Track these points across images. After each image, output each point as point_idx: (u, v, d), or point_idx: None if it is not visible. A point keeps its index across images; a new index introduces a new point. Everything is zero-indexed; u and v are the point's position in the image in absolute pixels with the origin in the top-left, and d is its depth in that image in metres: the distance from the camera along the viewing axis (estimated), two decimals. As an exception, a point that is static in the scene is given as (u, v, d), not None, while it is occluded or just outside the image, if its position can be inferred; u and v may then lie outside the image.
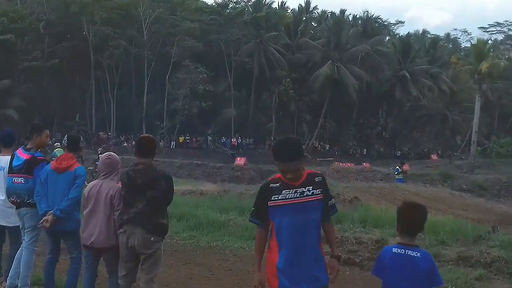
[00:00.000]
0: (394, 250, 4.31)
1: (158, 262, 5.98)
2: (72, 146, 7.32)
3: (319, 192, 4.61)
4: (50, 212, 6.59)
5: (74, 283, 6.74)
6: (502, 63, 56.95)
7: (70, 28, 64.29)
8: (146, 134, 6.77)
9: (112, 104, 64.39)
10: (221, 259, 10.25)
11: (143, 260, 5.86)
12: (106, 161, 6.41)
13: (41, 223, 6.65)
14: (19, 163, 7.16)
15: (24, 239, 7.11)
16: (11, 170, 7.21)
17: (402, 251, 4.27)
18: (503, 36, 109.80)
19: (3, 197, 7.41)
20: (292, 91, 68.85)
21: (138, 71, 65.41)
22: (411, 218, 4.40)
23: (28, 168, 7.09)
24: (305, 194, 4.54)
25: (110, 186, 6.18)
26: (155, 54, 64.64)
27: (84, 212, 6.37)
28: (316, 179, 4.67)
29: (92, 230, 6.18)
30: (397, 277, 4.22)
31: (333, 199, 4.89)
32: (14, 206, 7.22)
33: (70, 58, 63.01)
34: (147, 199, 5.74)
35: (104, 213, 6.13)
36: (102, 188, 6.22)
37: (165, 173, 6.25)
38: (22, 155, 7.21)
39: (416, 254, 4.25)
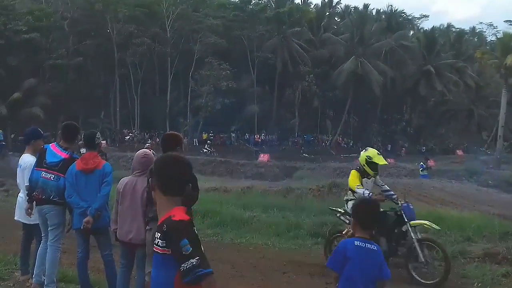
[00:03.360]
0: (356, 243, 4.49)
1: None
2: (90, 144, 7.30)
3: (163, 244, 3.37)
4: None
5: (116, 280, 6.73)
6: (528, 56, 55.94)
7: (94, 26, 64.74)
8: (171, 131, 6.76)
9: (136, 102, 64.79)
10: (245, 256, 10.27)
11: (148, 257, 5.89)
12: (142, 160, 6.44)
13: (85, 223, 6.70)
14: (55, 160, 7.17)
15: (48, 237, 7.15)
16: (42, 164, 7.20)
17: (363, 244, 4.47)
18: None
19: (24, 195, 7.47)
20: (315, 87, 68.66)
21: (161, 69, 65.65)
22: (368, 214, 4.62)
23: (63, 167, 7.10)
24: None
25: (145, 184, 6.21)
26: (178, 51, 64.88)
27: (119, 208, 6.42)
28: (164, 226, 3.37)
29: (130, 227, 6.25)
30: (358, 268, 4.42)
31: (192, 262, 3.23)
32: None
33: (94, 56, 63.55)
34: None
35: (142, 211, 6.19)
36: (138, 185, 6.27)
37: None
38: (59, 152, 7.22)
39: (373, 247, 4.50)
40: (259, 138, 67.58)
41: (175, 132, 6.66)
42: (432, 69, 71.52)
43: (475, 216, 13.82)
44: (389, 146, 74.46)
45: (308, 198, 16.71)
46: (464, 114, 77.06)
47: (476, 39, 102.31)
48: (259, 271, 9.09)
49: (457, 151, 70.09)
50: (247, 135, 68.65)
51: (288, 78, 70.16)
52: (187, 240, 3.20)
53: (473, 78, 75.04)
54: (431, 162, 36.72)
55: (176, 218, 3.30)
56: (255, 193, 18.14)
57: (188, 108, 64.68)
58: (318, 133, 74.81)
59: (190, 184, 5.71)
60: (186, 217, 3.35)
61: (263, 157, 48.04)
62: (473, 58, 70.27)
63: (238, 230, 12.45)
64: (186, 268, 3.18)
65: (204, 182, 22.54)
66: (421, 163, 32.40)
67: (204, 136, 65.60)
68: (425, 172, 30.78)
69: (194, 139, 64.58)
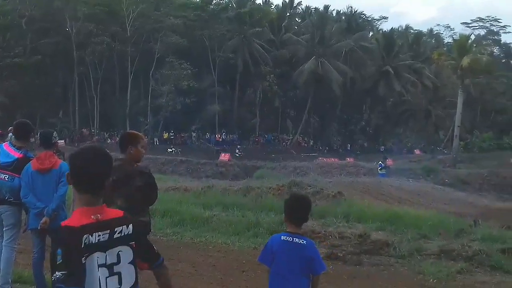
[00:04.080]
0: (283, 237, 4.55)
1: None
2: (46, 143, 7.14)
3: None
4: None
5: None
6: (484, 58, 57.23)
7: (53, 24, 63.72)
8: (130, 131, 6.68)
9: (95, 101, 64.01)
10: (205, 255, 10.26)
11: None
12: None
13: (42, 223, 6.60)
14: (8, 160, 6.98)
15: (4, 237, 7.02)
16: None
17: (290, 238, 4.52)
18: (485, 31, 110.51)
19: None
20: (276, 86, 68.95)
21: (121, 68, 65.06)
22: (297, 209, 4.66)
23: (17, 167, 6.91)
24: None
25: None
26: (139, 50, 64.27)
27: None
28: None
29: None
30: (286, 262, 4.46)
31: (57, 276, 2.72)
32: None
33: (53, 55, 62.56)
34: (123, 196, 5.70)
35: None
36: None
37: (142, 169, 6.09)
38: (12, 152, 7.02)
39: (302, 241, 4.53)
40: (220, 137, 67.51)
41: (133, 131, 6.56)
42: (390, 70, 72.56)
43: (432, 214, 14.10)
44: (349, 145, 75.24)
45: (268, 197, 16.74)
46: (421, 114, 78.28)
47: (433, 41, 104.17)
48: (218, 270, 9.10)
49: (415, 150, 71.27)
50: (208, 135, 68.51)
51: (249, 78, 70.28)
52: (60, 250, 2.70)
53: (431, 79, 76.32)
54: (389, 161, 37.35)
55: (64, 222, 2.90)
56: (215, 192, 18.08)
57: (149, 108, 64.20)
58: (278, 133, 75.15)
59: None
60: (76, 223, 2.82)
61: (224, 157, 48.10)
62: (431, 59, 71.44)
63: (198, 229, 12.42)
64: (52, 279, 2.72)
65: (164, 182, 22.50)
66: (380, 162, 32.88)
67: (165, 135, 65.33)
68: (383, 171, 31.23)
69: (155, 139, 64.16)
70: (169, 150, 57.17)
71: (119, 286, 2.90)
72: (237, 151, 59.10)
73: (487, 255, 9.66)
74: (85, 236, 2.78)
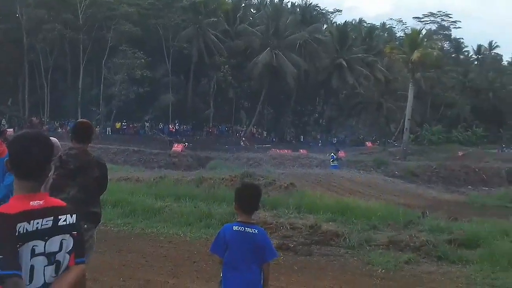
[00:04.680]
0: (235, 228, 4.56)
1: (90, 250, 5.87)
2: None
3: None
4: None
5: None
6: (434, 52, 58.21)
7: (2, 10, 62.17)
8: (83, 119, 6.55)
9: (46, 89, 62.80)
10: (156, 246, 10.19)
11: None
12: None
13: None
14: None
15: None
16: None
17: (242, 228, 4.54)
18: (437, 26, 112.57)
19: None
20: (231, 77, 68.82)
21: (73, 56, 64.00)
22: (247, 198, 4.68)
23: None
24: None
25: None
26: (91, 38, 63.26)
27: None
28: None
29: None
30: (238, 252, 4.49)
31: None
32: None
33: (2, 42, 60.88)
34: (79, 186, 5.63)
35: None
36: None
37: (100, 159, 6.06)
38: None
39: (254, 231, 4.55)
40: (173, 128, 67.08)
41: (88, 121, 6.43)
42: (344, 63, 73.27)
43: (381, 206, 14.32)
44: (302, 137, 75.76)
45: (220, 187, 16.75)
46: (373, 107, 79.38)
47: (386, 35, 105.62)
48: (169, 260, 9.05)
49: (367, 142, 72.26)
50: (161, 125, 67.95)
51: (203, 68, 69.92)
52: None
53: (383, 72, 77.39)
54: (341, 153, 37.74)
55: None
56: (167, 183, 17.98)
57: (101, 97, 63.29)
58: (232, 124, 75.12)
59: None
60: (12, 210, 2.71)
61: (177, 147, 47.71)
62: (383, 53, 72.43)
63: (149, 220, 12.32)
64: None
65: (115, 172, 22.25)
66: (332, 154, 33.14)
67: (118, 125, 64.54)
68: (335, 163, 31.51)
69: (107, 128, 63.38)
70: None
71: (55, 275, 2.82)
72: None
73: (434, 245, 9.87)
74: (20, 224, 2.68)
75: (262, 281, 4.61)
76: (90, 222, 5.66)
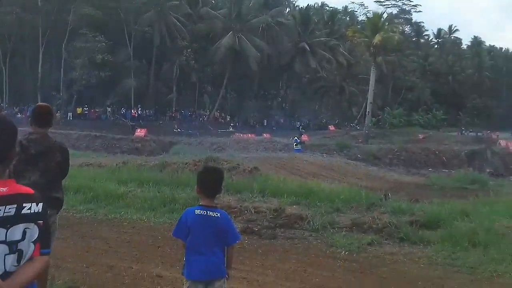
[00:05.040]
0: (197, 211, 4.53)
1: (53, 236, 5.78)
2: None
3: None
4: None
5: None
6: (396, 36, 58.76)
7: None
8: (43, 103, 6.39)
9: (4, 74, 61.44)
10: (119, 232, 10.10)
11: None
12: None
13: None
14: None
15: None
16: None
17: (204, 212, 4.50)
18: (398, 10, 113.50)
19: None
20: (194, 61, 68.35)
21: (32, 40, 62.69)
22: (209, 181, 4.63)
23: None
24: None
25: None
26: (51, 22, 61.94)
27: None
28: None
29: None
30: (201, 236, 4.47)
31: None
32: None
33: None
34: (40, 171, 5.52)
35: None
36: None
37: (61, 144, 5.96)
38: None
39: (216, 214, 4.53)
40: (135, 113, 66.39)
41: (48, 105, 6.27)
42: (306, 47, 73.52)
43: (344, 188, 14.43)
44: (265, 121, 75.89)
45: (184, 172, 16.66)
46: (336, 91, 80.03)
47: (348, 18, 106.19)
48: (133, 246, 8.98)
49: (330, 126, 72.81)
50: (123, 110, 67.18)
51: (166, 52, 69.35)
52: None
53: (345, 56, 77.97)
54: (304, 137, 38.01)
55: None
56: (130, 168, 17.80)
57: (61, 81, 62.21)
58: (195, 108, 74.77)
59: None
60: None
61: (140, 132, 47.27)
62: (345, 37, 72.83)
63: (112, 206, 12.18)
64: None
65: (77, 158, 21.95)
66: (295, 137, 33.34)
67: (79, 110, 63.57)
68: (298, 147, 31.71)
69: (69, 113, 62.42)
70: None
71: (17, 265, 2.76)
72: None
73: (396, 227, 10.00)
74: None
75: (225, 264, 4.60)
76: (52, 207, 5.55)
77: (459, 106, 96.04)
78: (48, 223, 2.99)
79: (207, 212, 4.50)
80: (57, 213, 5.78)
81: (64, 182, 6.08)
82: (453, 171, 31.22)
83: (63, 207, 6.04)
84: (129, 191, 13.29)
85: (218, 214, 4.54)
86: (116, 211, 11.71)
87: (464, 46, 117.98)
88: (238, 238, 4.74)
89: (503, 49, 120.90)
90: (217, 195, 4.78)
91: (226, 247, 4.62)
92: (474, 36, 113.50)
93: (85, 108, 64.09)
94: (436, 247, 9.03)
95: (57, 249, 6.84)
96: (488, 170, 33.79)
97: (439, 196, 14.99)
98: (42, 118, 5.76)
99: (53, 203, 5.57)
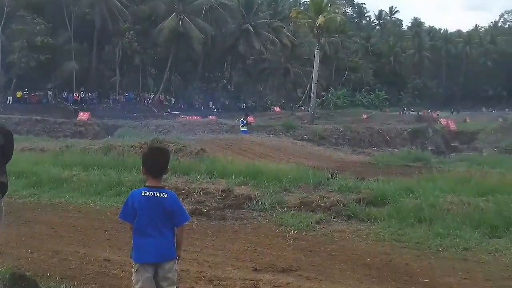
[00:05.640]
0: (143, 193, 4.44)
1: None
2: None
3: None
4: None
5: None
6: (338, 17, 59.27)
7: None
8: None
9: None
10: (64, 216, 9.88)
11: None
12: None
13: None
14: None
15: None
16: None
17: (151, 193, 4.43)
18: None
19: None
20: (136, 44, 67.33)
21: (-34, 22, 60.46)
22: (155, 161, 4.54)
23: None
24: None
25: None
26: (-15, 3, 59.85)
27: None
28: None
29: None
30: (148, 218, 4.40)
31: None
32: None
33: None
34: None
35: None
36: None
37: (4, 126, 5.75)
38: None
39: (163, 195, 4.45)
40: (78, 96, 65.00)
41: None
42: (250, 28, 73.45)
43: (292, 168, 14.48)
44: (210, 103, 75.65)
45: (130, 155, 16.40)
46: (280, 72, 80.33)
47: (291, 0, 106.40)
48: (79, 230, 8.79)
49: (275, 107, 73.14)
50: (65, 93, 65.64)
51: (107, 34, 68.06)
52: None
53: (289, 37, 78.26)
54: (250, 119, 37.96)
55: None
56: (74, 152, 17.43)
57: (-1, 65, 60.37)
58: (140, 91, 73.82)
59: None
60: None
61: (83, 116, 46.29)
62: (289, 18, 73.07)
63: (56, 190, 11.92)
64: None
65: (18, 142, 21.33)
66: (242, 119, 33.29)
67: (19, 94, 61.84)
68: (245, 128, 31.65)
69: (8, 98, 60.64)
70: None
71: None
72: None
73: (344, 205, 10.11)
74: None
75: (175, 245, 4.54)
76: (-4, 192, 5.38)
77: (400, 86, 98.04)
78: None
79: (153, 193, 4.41)
80: (2, 197, 5.58)
81: (8, 165, 5.85)
82: (396, 150, 31.80)
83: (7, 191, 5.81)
84: (74, 175, 13.02)
85: (166, 195, 4.45)
86: (60, 196, 11.47)
87: (404, 28, 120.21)
88: (187, 218, 4.64)
89: (442, 30, 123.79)
90: (164, 176, 4.66)
91: (175, 228, 4.53)
92: (414, 17, 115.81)
93: (25, 92, 62.37)
94: (383, 223, 9.17)
95: (0, 235, 6.63)
96: (430, 148, 34.64)
97: (384, 174, 15.19)
98: None
99: (-3, 187, 5.38)
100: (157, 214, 4.39)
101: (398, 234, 8.60)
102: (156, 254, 4.41)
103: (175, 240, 4.54)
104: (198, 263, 7.03)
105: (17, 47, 58.32)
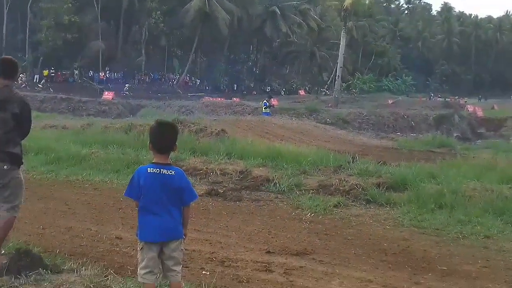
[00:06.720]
0: (149, 169, 4.27)
1: (19, 191, 5.51)
2: None
3: None
4: None
5: None
6: (367, 0, 58.68)
7: None
8: (8, 56, 6.10)
9: (-34, 35, 59.88)
10: (80, 193, 9.87)
11: (1, 190, 5.38)
12: None
13: None
14: None
15: None
16: None
17: (157, 170, 4.25)
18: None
19: None
20: (163, 24, 67.32)
21: (-5, -1, 61.01)
22: (162, 137, 4.36)
23: None
24: None
25: None
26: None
27: None
28: None
29: None
30: (154, 195, 4.24)
31: None
32: None
33: None
34: None
35: None
36: None
37: (22, 97, 5.72)
38: None
39: (171, 172, 4.27)
40: (104, 76, 65.34)
41: (12, 57, 5.97)
42: (277, 10, 72.94)
43: (312, 151, 14.29)
44: (235, 85, 75.52)
45: (150, 134, 16.35)
46: (306, 56, 79.77)
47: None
48: (93, 207, 8.76)
49: (300, 91, 72.75)
50: (91, 73, 66.01)
51: (134, 14, 68.17)
52: None
53: (316, 20, 77.53)
54: (274, 101, 37.72)
55: None
56: (95, 130, 17.47)
57: (27, 43, 60.80)
58: (165, 72, 73.95)
59: None
60: None
61: (108, 95, 46.49)
62: (316, 1, 72.47)
63: (74, 167, 11.92)
64: None
65: (41, 120, 21.47)
66: (265, 101, 33.09)
67: (45, 72, 62.34)
68: (267, 110, 31.46)
69: (35, 76, 61.19)
70: (40, 86, 55.29)
71: None
72: (125, 88, 57.93)
73: (363, 189, 9.93)
74: None
75: (181, 225, 4.39)
76: (9, 163, 5.36)
77: (428, 72, 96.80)
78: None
79: (160, 170, 4.24)
80: (19, 168, 5.54)
81: (24, 142, 5.79)
82: (421, 135, 31.41)
83: (23, 164, 5.74)
84: (92, 153, 13.04)
85: (173, 172, 4.28)
86: (78, 173, 11.47)
87: (434, 12, 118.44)
88: (195, 197, 4.45)
89: (472, 16, 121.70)
90: (171, 152, 4.44)
91: (182, 207, 4.39)
92: (444, 2, 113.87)
93: (51, 71, 62.83)
94: (403, 209, 8.98)
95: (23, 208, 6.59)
96: (455, 134, 34.14)
97: (407, 159, 14.90)
98: (7, 68, 5.59)
99: (9, 158, 5.39)
100: (164, 192, 4.23)
101: (417, 220, 8.41)
102: (161, 233, 4.26)
103: (181, 218, 4.40)
104: (210, 243, 6.92)
105: (44, 25, 58.64)
